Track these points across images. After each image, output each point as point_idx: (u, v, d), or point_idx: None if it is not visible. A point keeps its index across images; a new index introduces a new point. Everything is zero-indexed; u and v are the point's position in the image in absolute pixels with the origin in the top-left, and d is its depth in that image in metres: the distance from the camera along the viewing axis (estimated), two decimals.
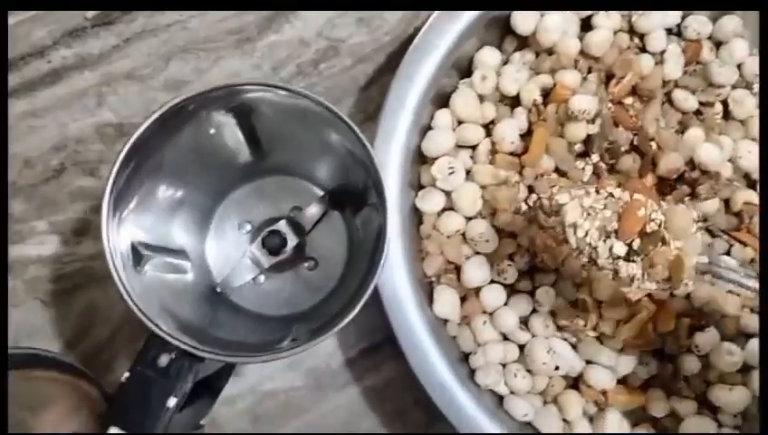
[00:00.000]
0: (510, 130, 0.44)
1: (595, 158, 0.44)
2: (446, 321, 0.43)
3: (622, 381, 0.43)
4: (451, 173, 0.43)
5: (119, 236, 0.35)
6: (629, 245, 0.36)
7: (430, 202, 0.44)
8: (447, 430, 0.41)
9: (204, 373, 0.35)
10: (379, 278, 0.36)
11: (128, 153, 0.35)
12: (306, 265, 0.45)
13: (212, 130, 0.39)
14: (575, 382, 0.43)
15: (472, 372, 0.43)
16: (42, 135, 0.48)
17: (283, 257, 0.43)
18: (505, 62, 0.46)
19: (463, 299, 0.43)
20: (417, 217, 0.45)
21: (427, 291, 0.44)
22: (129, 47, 0.49)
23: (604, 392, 0.43)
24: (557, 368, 0.42)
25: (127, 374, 0.32)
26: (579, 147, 0.44)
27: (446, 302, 0.43)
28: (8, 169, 0.47)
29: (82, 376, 0.40)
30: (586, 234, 0.36)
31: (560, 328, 0.43)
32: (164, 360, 0.32)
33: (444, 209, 0.44)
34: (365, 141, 0.36)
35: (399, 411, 0.48)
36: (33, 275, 0.47)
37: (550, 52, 0.45)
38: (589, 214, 0.37)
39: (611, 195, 0.37)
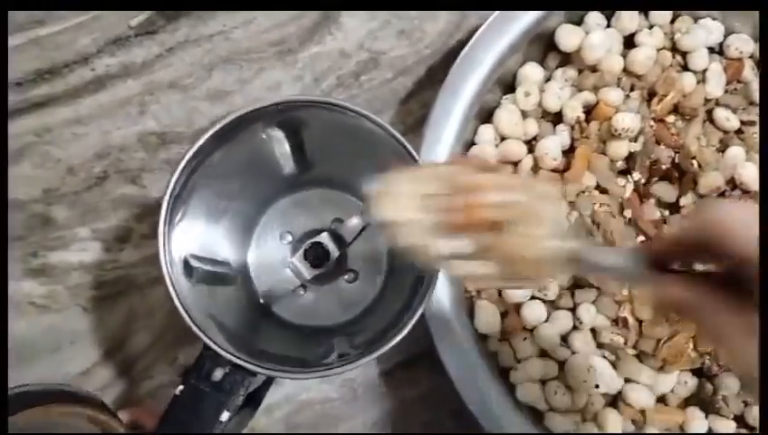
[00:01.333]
0: (552, 146, 0.44)
1: (636, 175, 0.45)
2: (486, 336, 0.43)
3: (661, 400, 0.43)
4: None
5: (171, 246, 0.35)
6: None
7: None
8: None
9: (254, 386, 0.35)
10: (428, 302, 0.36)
11: (184, 166, 0.35)
12: (346, 277, 0.45)
13: (261, 144, 0.39)
14: (614, 401, 0.43)
15: (512, 388, 0.43)
16: (85, 142, 0.48)
17: (326, 269, 0.43)
18: (548, 79, 0.46)
19: (503, 315, 0.44)
20: None
21: (467, 306, 0.44)
22: (172, 56, 0.49)
23: (643, 411, 0.43)
24: (597, 386, 0.42)
25: (181, 387, 0.32)
26: (621, 164, 0.45)
27: (487, 317, 0.43)
28: (51, 176, 0.48)
29: (100, 408, 0.38)
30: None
31: (600, 345, 0.43)
32: (218, 374, 0.32)
33: None
34: (413, 152, 0.36)
35: (434, 425, 0.48)
36: (75, 282, 0.47)
37: (593, 69, 0.45)
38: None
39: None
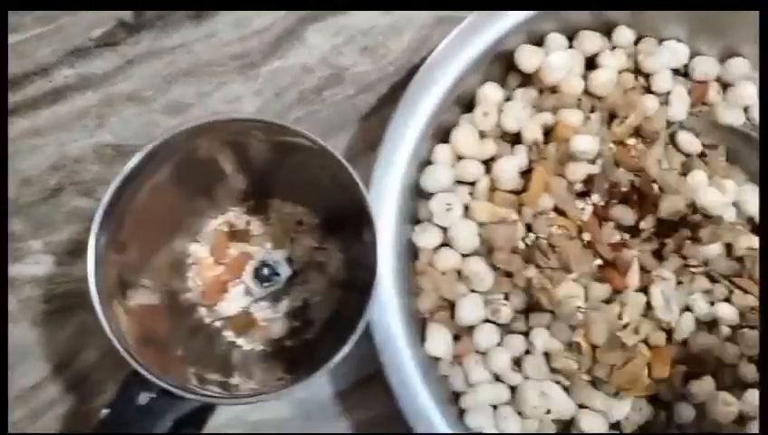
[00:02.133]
0: (509, 167, 0.43)
1: (595, 198, 0.44)
2: (437, 359, 0.43)
3: (615, 427, 0.42)
4: (449, 209, 0.42)
5: (106, 262, 0.35)
6: None
7: (427, 238, 0.43)
8: None
9: (185, 411, 0.34)
10: (369, 317, 0.36)
11: (122, 181, 0.34)
12: (303, 296, 0.44)
13: (205, 157, 0.38)
14: (566, 427, 0.42)
15: (461, 413, 0.42)
16: (41, 154, 0.48)
17: (276, 287, 0.43)
18: (508, 99, 0.45)
19: (456, 338, 0.43)
20: (412, 252, 0.44)
21: (419, 328, 0.43)
22: (132, 68, 0.48)
23: None
24: (548, 412, 0.41)
25: (106, 411, 0.32)
26: (579, 186, 0.44)
27: (439, 340, 0.42)
28: (9, 186, 0.47)
29: None
30: None
31: (553, 370, 0.42)
32: (144, 398, 0.32)
33: (440, 245, 0.43)
34: (356, 177, 0.35)
35: None
36: (27, 295, 0.47)
37: (553, 90, 0.44)
38: None
39: None
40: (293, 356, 0.41)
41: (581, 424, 0.41)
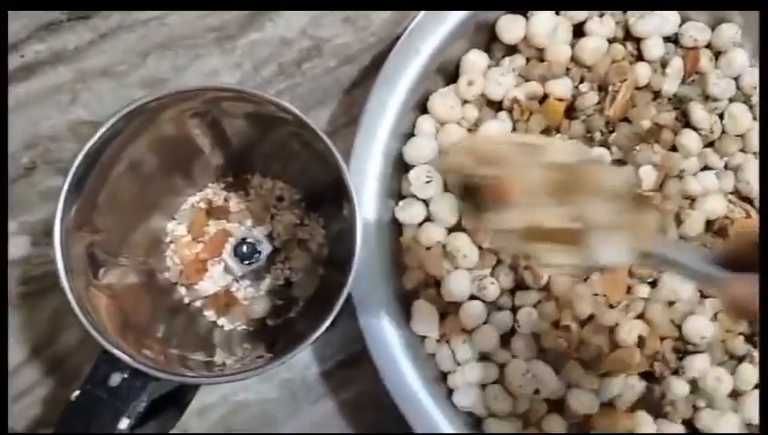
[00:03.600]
0: (495, 130, 0.41)
1: None
2: (423, 338, 0.42)
3: (609, 404, 0.42)
4: (428, 182, 0.41)
5: (76, 241, 0.34)
6: None
7: (410, 212, 0.42)
8: None
9: (161, 391, 0.33)
10: (349, 290, 0.35)
11: (87, 154, 0.33)
12: (284, 274, 0.43)
13: (178, 132, 0.37)
14: (557, 406, 0.41)
15: (450, 392, 0.41)
16: (13, 132, 0.46)
17: (257, 265, 0.42)
18: (495, 66, 0.43)
19: (442, 316, 0.42)
20: (397, 228, 0.43)
21: (405, 305, 0.42)
22: (104, 43, 0.47)
23: (588, 416, 0.41)
24: (537, 392, 0.40)
25: (76, 393, 0.31)
26: None
27: (425, 318, 0.41)
28: None
29: None
30: None
31: (542, 350, 0.41)
32: (115, 379, 0.31)
33: (424, 220, 0.42)
34: (335, 152, 0.34)
35: (375, 426, 0.46)
36: None
37: (541, 58, 0.43)
38: None
39: None
40: (276, 335, 0.40)
41: (571, 402, 0.41)
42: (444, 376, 0.42)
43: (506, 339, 0.41)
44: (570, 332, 0.40)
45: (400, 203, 0.42)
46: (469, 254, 0.41)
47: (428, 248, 0.42)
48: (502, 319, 0.41)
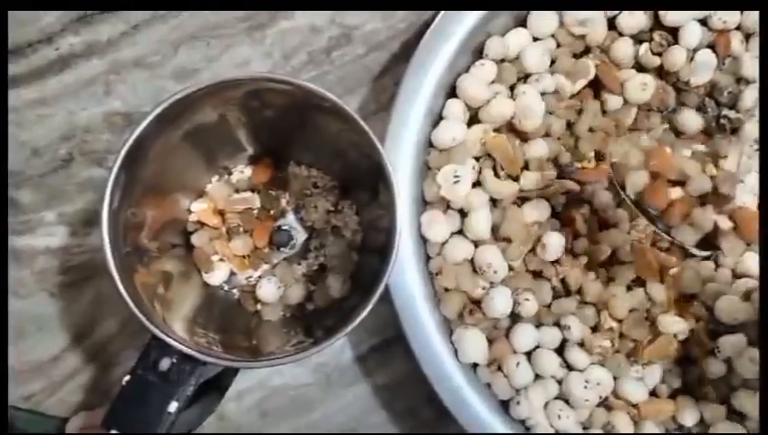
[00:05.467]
0: (536, 101, 0.41)
1: None
2: (475, 366, 0.41)
3: (651, 393, 0.42)
4: (456, 182, 0.40)
5: (121, 229, 0.34)
6: None
7: (436, 230, 0.41)
8: (457, 430, 0.40)
9: (208, 375, 0.34)
10: (389, 277, 0.35)
11: (132, 146, 0.34)
12: (319, 260, 0.43)
13: (217, 121, 0.37)
14: (605, 399, 0.42)
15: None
16: (50, 124, 0.47)
17: (292, 253, 0.42)
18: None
19: (489, 341, 0.41)
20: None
21: (436, 291, 0.42)
22: (137, 34, 0.47)
23: (637, 406, 0.41)
24: (604, 399, 0.41)
25: (127, 377, 0.31)
26: None
27: (473, 345, 0.40)
28: (16, 158, 0.46)
29: None
30: None
31: (591, 355, 0.41)
32: (165, 363, 0.31)
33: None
34: (372, 136, 0.35)
35: (410, 409, 0.47)
36: (42, 267, 0.46)
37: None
38: None
39: None
40: (312, 320, 0.40)
41: (623, 394, 0.41)
42: (504, 404, 0.41)
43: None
44: (612, 331, 0.40)
45: (422, 219, 0.41)
46: (500, 269, 0.40)
47: (456, 264, 0.41)
48: (550, 334, 0.41)
